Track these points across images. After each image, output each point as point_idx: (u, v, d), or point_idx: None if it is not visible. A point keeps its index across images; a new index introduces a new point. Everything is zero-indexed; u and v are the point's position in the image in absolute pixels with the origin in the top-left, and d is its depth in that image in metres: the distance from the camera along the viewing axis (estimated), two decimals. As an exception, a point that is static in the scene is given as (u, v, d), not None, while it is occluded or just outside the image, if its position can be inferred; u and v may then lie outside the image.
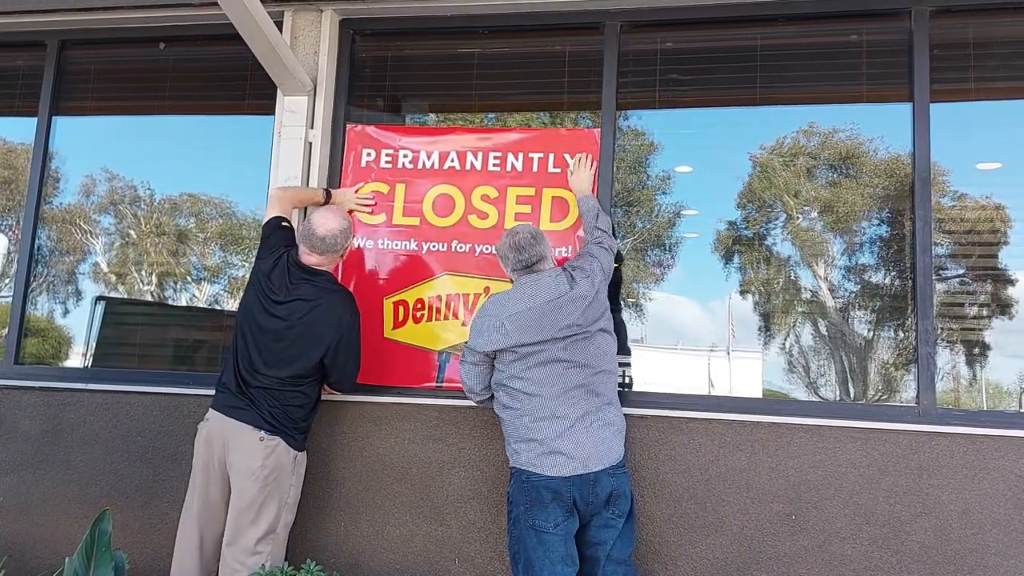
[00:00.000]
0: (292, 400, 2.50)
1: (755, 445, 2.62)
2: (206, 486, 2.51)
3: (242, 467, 2.43)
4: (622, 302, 2.97)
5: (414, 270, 2.96)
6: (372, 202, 2.99)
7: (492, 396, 2.50)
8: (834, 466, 2.57)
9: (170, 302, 3.53)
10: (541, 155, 2.94)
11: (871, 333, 2.92)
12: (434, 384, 2.89)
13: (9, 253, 3.52)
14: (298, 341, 2.51)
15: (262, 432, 2.44)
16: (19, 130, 3.60)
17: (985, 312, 2.84)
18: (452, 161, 3.01)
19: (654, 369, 2.89)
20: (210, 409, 2.55)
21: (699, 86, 3.09)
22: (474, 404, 2.64)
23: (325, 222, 2.57)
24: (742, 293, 3.03)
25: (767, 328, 3.01)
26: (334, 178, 3.09)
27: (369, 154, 3.07)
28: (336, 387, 2.67)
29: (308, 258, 2.59)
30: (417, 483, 2.80)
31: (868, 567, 2.51)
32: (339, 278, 2.95)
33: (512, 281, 2.53)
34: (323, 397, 2.70)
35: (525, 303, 2.38)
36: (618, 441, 2.38)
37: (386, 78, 3.32)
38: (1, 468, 3.10)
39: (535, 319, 2.36)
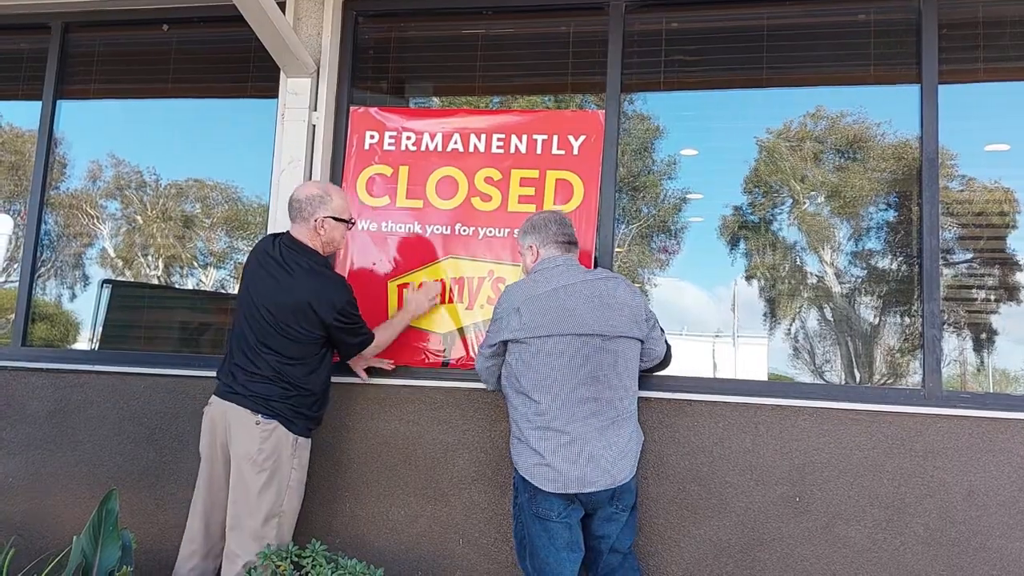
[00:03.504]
0: (288, 382, 2.46)
1: (759, 427, 2.62)
2: (210, 471, 2.52)
3: (240, 451, 2.42)
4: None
5: (418, 253, 2.96)
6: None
7: None
8: (839, 448, 2.57)
9: (176, 286, 3.54)
10: (545, 137, 2.92)
11: (877, 318, 2.90)
12: (439, 366, 2.90)
13: (17, 238, 3.53)
14: (284, 322, 2.45)
15: (259, 416, 2.42)
16: (25, 115, 3.60)
17: (992, 297, 2.82)
18: (455, 143, 2.99)
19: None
20: (212, 395, 2.55)
21: (705, 67, 3.06)
22: (485, 388, 2.63)
23: (299, 187, 2.61)
24: (748, 278, 3.02)
25: (772, 313, 3.00)
26: (337, 160, 3.08)
27: (372, 136, 3.06)
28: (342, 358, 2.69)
29: (291, 230, 2.59)
30: (422, 465, 2.81)
31: (872, 548, 2.51)
32: (345, 264, 2.97)
33: (524, 270, 2.50)
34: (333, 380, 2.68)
35: (541, 288, 2.31)
36: (626, 461, 2.25)
37: (389, 60, 3.31)
38: (9, 449, 3.13)
39: (552, 306, 2.28)
